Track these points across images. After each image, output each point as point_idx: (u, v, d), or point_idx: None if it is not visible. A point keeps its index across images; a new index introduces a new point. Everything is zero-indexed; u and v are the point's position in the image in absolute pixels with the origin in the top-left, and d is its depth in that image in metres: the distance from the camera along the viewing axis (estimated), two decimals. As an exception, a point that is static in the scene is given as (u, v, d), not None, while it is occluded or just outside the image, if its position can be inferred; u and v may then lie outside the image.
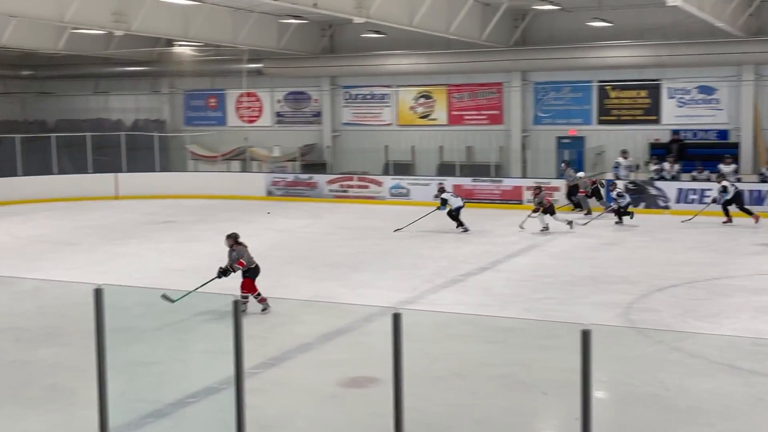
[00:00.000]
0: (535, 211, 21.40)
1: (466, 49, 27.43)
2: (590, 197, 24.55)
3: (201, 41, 27.36)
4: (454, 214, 21.46)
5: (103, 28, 23.19)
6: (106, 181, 29.46)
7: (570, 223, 21.44)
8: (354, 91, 31.04)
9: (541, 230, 21.23)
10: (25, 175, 29.09)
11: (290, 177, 29.19)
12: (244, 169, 31.21)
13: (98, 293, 6.54)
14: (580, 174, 24.94)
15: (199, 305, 12.98)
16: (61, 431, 8.93)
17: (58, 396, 9.98)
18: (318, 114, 31.54)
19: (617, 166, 26.17)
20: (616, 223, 22.48)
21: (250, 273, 13.19)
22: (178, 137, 32.96)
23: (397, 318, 5.77)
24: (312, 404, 9.68)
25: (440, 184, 23.45)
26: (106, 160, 30.54)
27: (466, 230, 21.36)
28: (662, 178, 25.31)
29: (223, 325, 12.10)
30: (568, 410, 8.70)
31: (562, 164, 26.00)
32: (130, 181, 29.51)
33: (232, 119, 32.90)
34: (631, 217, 22.47)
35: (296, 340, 11.88)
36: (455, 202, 21.60)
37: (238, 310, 6.19)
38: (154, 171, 30.05)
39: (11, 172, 28.93)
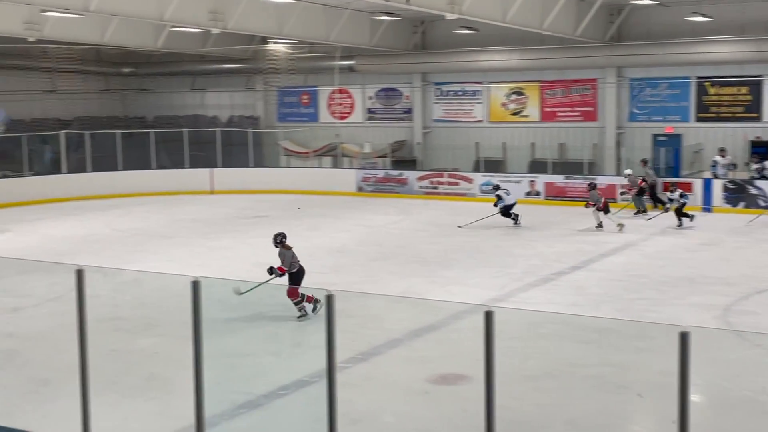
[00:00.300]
0: (587, 206, 21.56)
1: (560, 44, 27.07)
2: (641, 195, 24.02)
3: (295, 39, 27.73)
4: (507, 212, 21.93)
5: (201, 26, 23.72)
6: (202, 176, 30.15)
7: (620, 225, 20.88)
8: (445, 88, 30.97)
9: (596, 227, 21.02)
10: (124, 169, 30.00)
11: (380, 173, 29.32)
12: (335, 165, 31.49)
13: (195, 285, 6.69)
14: (628, 171, 24.56)
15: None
16: (158, 420, 9.18)
17: (155, 385, 10.27)
18: (409, 110, 31.59)
19: (715, 164, 25.43)
20: (678, 226, 21.43)
21: (292, 279, 12.80)
22: (272, 133, 33.46)
23: (489, 316, 5.73)
24: (401, 400, 9.71)
25: (495, 184, 24.22)
26: (205, 156, 31.29)
27: (517, 223, 21.76)
28: (763, 177, 24.49)
29: (313, 319, 12.31)
30: (662, 413, 8.51)
31: (641, 162, 25.39)
32: (225, 176, 30.13)
33: (324, 115, 33.23)
34: (691, 219, 21.59)
35: (385, 335, 11.94)
36: (509, 199, 22.02)
37: (332, 305, 6.24)
38: (247, 166, 30.60)
39: (112, 167, 29.87)
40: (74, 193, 28.02)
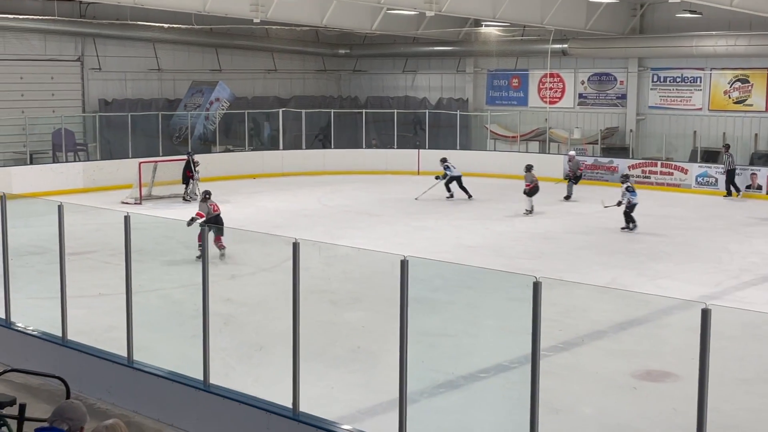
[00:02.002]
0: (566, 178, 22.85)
1: (792, 29, 25.26)
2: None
3: (508, 21, 27.50)
4: (461, 186, 22.97)
5: (416, 9, 24.02)
6: (409, 157, 30.64)
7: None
8: (663, 74, 29.71)
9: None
10: (335, 148, 30.98)
11: (590, 160, 28.61)
12: (542, 150, 31.05)
13: (403, 264, 6.83)
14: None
15: (490, 282, 13.16)
16: (361, 392, 9.47)
17: (360, 358, 10.60)
18: (622, 96, 30.58)
19: None
20: (623, 229, 19.25)
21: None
22: (479, 116, 33.44)
23: (705, 314, 5.49)
24: (602, 393, 9.51)
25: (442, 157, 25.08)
26: (416, 138, 31.79)
27: (630, 227, 19.25)
28: None
29: (513, 304, 12.23)
30: None
31: (723, 147, 24.87)
32: (431, 157, 30.43)
33: (534, 99, 32.78)
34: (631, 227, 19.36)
35: (590, 326, 11.71)
36: (455, 172, 23.30)
37: (538, 292, 6.19)
38: (454, 149, 30.77)
39: (324, 144, 30.96)
40: (289, 169, 29.30)
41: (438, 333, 11.36)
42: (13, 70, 27.40)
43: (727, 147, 25.30)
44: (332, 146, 31.18)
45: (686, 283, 14.39)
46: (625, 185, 19.79)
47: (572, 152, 26.16)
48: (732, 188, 24.95)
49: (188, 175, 23.91)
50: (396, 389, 6.93)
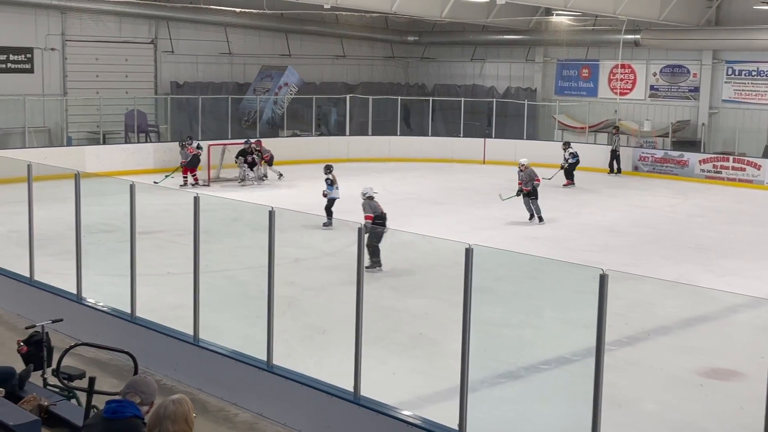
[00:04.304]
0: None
1: None
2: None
3: (580, 11, 27.13)
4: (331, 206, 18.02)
5: (487, -4, 23.86)
6: (475, 146, 30.48)
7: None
8: (738, 67, 29.00)
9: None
10: (401, 135, 30.98)
11: (659, 153, 28.12)
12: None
13: (468, 252, 6.82)
14: (523, 161, 20.08)
15: (555, 273, 13.06)
16: (422, 378, 9.49)
17: (421, 344, 10.63)
18: (695, 89, 29.94)
19: None
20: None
21: None
22: (547, 106, 33.09)
23: (776, 312, 5.37)
24: (666, 389, 9.38)
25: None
26: (479, 126, 31.58)
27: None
28: None
29: (577, 297, 12.12)
30: None
31: None
32: (497, 146, 30.25)
33: (603, 90, 32.29)
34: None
35: (655, 321, 11.55)
36: (335, 193, 18.16)
37: (605, 285, 6.12)
38: (521, 138, 30.51)
39: (390, 132, 30.99)
40: (354, 155, 29.40)
41: (500, 323, 11.33)
42: (89, 51, 27.99)
43: None
44: (398, 133, 31.17)
45: (756, 280, 14.08)
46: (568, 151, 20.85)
47: (523, 160, 19.98)
48: None
49: (248, 161, 24.09)
50: (456, 377, 6.94)
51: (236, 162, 24.33)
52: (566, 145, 25.40)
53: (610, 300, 6.18)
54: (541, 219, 19.03)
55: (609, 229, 18.66)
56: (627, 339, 10.60)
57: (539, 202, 19.18)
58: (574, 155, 24.98)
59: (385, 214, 14.85)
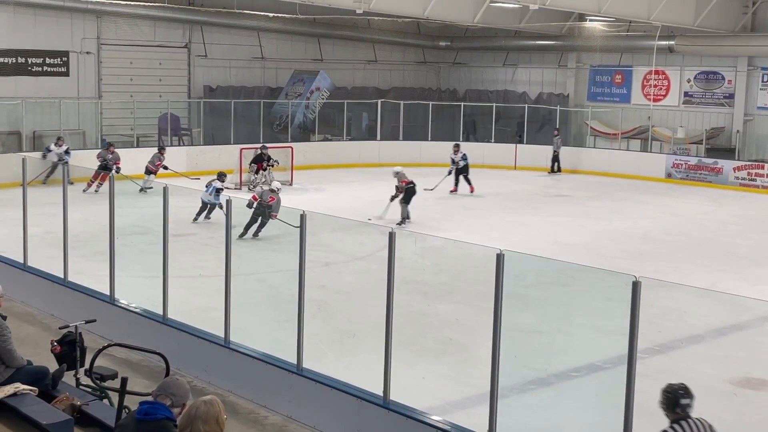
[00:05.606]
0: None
1: None
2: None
3: (614, 16, 26.96)
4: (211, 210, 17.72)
5: (519, 2, 23.78)
6: (506, 151, 30.38)
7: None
8: (773, 73, 28.69)
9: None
10: (432, 140, 30.96)
11: (693, 160, 27.86)
12: (644, 149, 30.38)
13: (499, 258, 6.80)
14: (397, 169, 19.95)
15: (586, 280, 12.97)
16: (451, 384, 9.47)
17: (451, 350, 10.60)
18: (730, 96, 29.63)
19: None
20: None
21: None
22: (580, 112, 32.93)
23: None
24: (698, 398, 9.20)
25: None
26: (510, 131, 31.46)
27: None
28: None
29: (609, 304, 12.04)
30: None
31: None
32: (528, 152, 30.14)
33: (637, 96, 32.07)
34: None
35: (687, 330, 11.44)
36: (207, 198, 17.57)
37: (637, 292, 6.07)
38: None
39: (422, 137, 30.97)
40: (385, 159, 29.39)
41: (530, 329, 11.27)
42: (124, 54, 28.28)
43: None
44: (429, 138, 31.13)
45: (791, 290, 13.89)
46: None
47: (398, 168, 19.85)
48: None
49: (259, 167, 23.95)
50: (486, 383, 6.92)
51: (249, 168, 24.15)
52: (457, 147, 24.29)
53: (642, 307, 6.13)
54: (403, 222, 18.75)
55: (642, 236, 18.52)
56: (659, 347, 10.51)
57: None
58: (465, 158, 24.04)
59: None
